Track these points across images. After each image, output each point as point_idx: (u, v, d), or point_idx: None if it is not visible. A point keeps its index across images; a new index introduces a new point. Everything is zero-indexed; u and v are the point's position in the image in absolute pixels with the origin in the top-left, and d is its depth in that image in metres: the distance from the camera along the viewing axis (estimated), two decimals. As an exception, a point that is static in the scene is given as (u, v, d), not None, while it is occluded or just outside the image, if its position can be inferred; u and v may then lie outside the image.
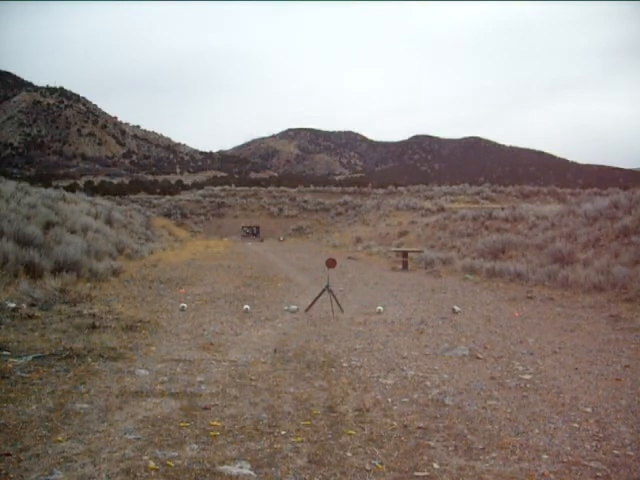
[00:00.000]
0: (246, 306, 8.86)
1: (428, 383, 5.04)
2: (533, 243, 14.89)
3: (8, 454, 3.25)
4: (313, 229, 41.46)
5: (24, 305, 7.29)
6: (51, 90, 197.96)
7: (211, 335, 6.88)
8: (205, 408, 4.21)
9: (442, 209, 28.96)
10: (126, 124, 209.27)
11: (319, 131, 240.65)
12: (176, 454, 3.38)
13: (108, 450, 3.38)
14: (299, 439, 3.67)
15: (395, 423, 4.01)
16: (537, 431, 3.90)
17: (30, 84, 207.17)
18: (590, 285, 10.20)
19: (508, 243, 15.73)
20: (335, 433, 3.80)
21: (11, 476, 3.01)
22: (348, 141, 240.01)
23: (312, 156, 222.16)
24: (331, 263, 9.24)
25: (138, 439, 3.57)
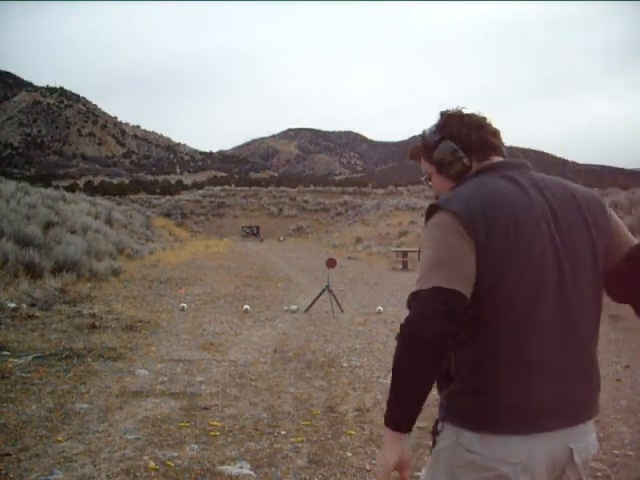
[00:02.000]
0: (246, 306, 8.86)
1: (428, 383, 5.03)
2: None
3: (8, 454, 3.25)
4: (313, 229, 41.45)
5: (24, 305, 7.29)
6: (51, 90, 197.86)
7: (211, 335, 6.88)
8: (205, 408, 4.21)
9: (442, 209, 28.88)
10: (126, 124, 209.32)
11: (319, 131, 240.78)
12: (176, 454, 3.38)
13: (108, 450, 3.38)
14: (299, 439, 3.67)
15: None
16: (537, 431, 3.90)
17: (30, 84, 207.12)
18: (590, 285, 10.19)
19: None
20: (335, 433, 3.80)
21: (11, 476, 3.01)
22: (348, 141, 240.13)
23: (312, 156, 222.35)
24: (331, 263, 9.24)
25: (138, 439, 3.57)
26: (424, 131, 1.60)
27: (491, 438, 1.30)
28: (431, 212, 1.39)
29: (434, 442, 1.42)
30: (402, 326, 1.27)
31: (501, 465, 1.29)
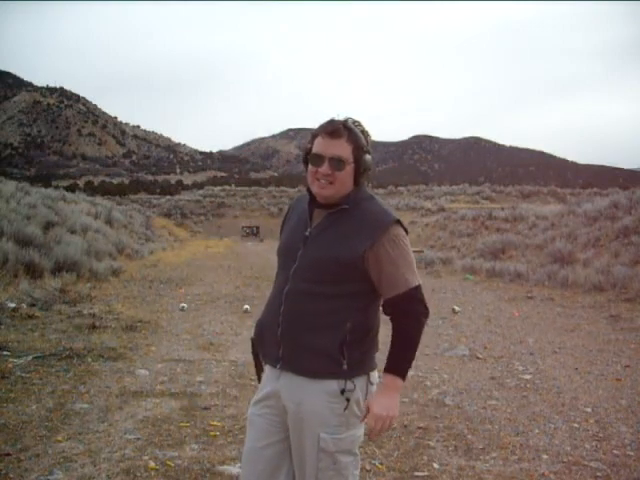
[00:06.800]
0: (246, 306, 8.85)
1: (428, 383, 5.04)
2: (533, 243, 14.88)
3: (8, 454, 3.25)
4: (313, 229, 41.35)
5: (24, 305, 7.28)
6: (51, 90, 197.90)
7: (211, 335, 6.88)
8: (205, 408, 4.21)
9: (442, 209, 28.94)
10: (126, 124, 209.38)
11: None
12: (176, 454, 3.38)
13: (108, 450, 3.38)
14: (299, 439, 3.66)
15: (395, 423, 4.01)
16: (537, 431, 3.90)
17: (30, 84, 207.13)
18: (590, 285, 10.19)
19: (508, 243, 15.71)
20: (335, 433, 3.80)
21: (11, 476, 3.01)
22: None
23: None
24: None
25: (138, 439, 3.57)
26: (361, 131, 1.83)
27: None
28: (400, 226, 1.85)
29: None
30: (425, 307, 1.84)
31: None
